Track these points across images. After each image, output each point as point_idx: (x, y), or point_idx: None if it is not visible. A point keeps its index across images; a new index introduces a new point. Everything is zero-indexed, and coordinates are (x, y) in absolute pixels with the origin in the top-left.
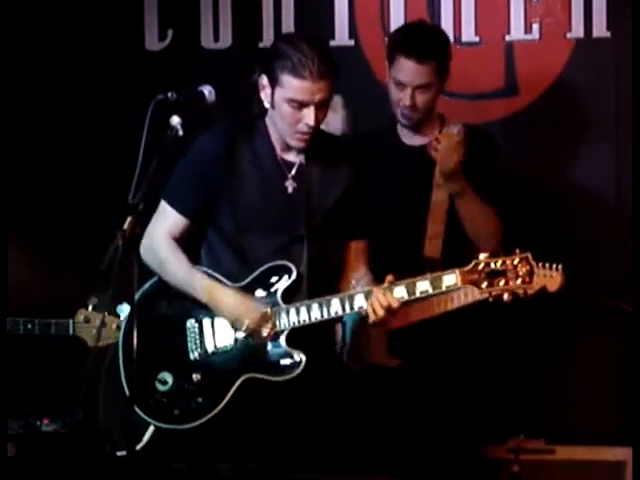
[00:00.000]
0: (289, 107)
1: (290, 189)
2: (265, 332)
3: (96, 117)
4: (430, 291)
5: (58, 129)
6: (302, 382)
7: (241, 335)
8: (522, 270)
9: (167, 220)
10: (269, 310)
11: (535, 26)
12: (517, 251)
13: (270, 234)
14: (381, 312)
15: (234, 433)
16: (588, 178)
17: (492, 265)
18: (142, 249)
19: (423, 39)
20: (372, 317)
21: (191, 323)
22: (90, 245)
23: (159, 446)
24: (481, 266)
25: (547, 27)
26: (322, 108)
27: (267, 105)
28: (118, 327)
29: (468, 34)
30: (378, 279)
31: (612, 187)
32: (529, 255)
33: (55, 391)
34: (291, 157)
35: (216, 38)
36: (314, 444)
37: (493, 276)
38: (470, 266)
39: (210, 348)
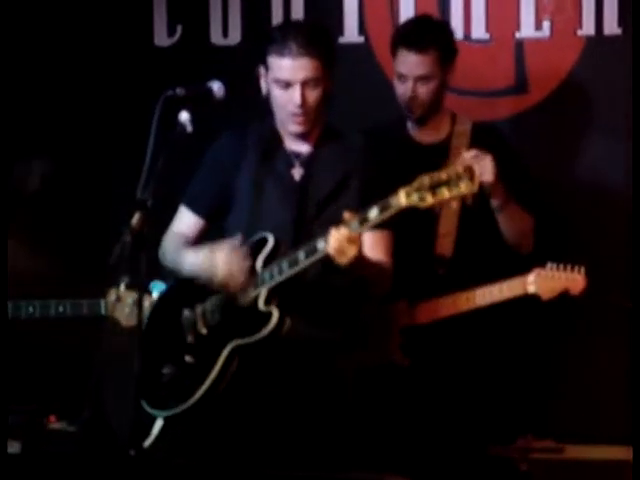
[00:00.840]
0: (278, 89)
1: (297, 176)
2: (243, 279)
3: (104, 113)
4: (380, 215)
5: (66, 124)
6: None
7: (227, 304)
8: (464, 177)
9: (182, 220)
10: (240, 244)
11: (546, 23)
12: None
13: (279, 216)
14: (337, 242)
15: (232, 416)
16: (598, 176)
17: (435, 178)
18: (159, 252)
19: (423, 30)
20: (340, 258)
21: (185, 313)
22: (99, 239)
23: (169, 439)
24: (425, 181)
25: (558, 24)
26: (311, 88)
27: (264, 93)
28: (150, 305)
29: (478, 31)
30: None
31: (622, 185)
32: (471, 164)
33: (62, 389)
34: (298, 147)
35: (225, 34)
36: (319, 441)
37: (437, 187)
38: (415, 183)
39: (202, 329)
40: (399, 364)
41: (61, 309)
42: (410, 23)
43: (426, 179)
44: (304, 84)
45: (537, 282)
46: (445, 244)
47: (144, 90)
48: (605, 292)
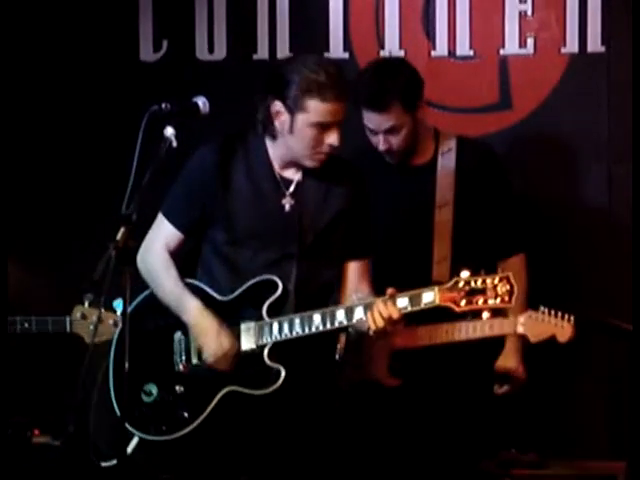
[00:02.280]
0: (313, 130)
1: (287, 207)
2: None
3: (89, 127)
4: (409, 307)
5: (51, 138)
6: (290, 398)
7: None
8: (502, 289)
9: (163, 232)
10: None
11: (530, 40)
12: (499, 270)
13: (264, 249)
14: (381, 322)
15: (217, 447)
16: (581, 192)
17: (472, 284)
18: (138, 258)
19: (381, 89)
20: (372, 327)
21: (178, 336)
22: (83, 253)
23: (143, 458)
24: (461, 284)
25: (542, 42)
26: (341, 127)
27: (282, 131)
28: (115, 323)
29: (463, 48)
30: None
31: (605, 202)
32: (510, 275)
33: (47, 402)
34: (289, 174)
35: (211, 50)
36: (303, 461)
37: (472, 294)
38: (450, 284)
39: (195, 360)
40: (388, 384)
41: (26, 325)
42: (367, 81)
43: (462, 282)
44: (339, 125)
45: (527, 324)
46: (441, 270)
47: (129, 105)
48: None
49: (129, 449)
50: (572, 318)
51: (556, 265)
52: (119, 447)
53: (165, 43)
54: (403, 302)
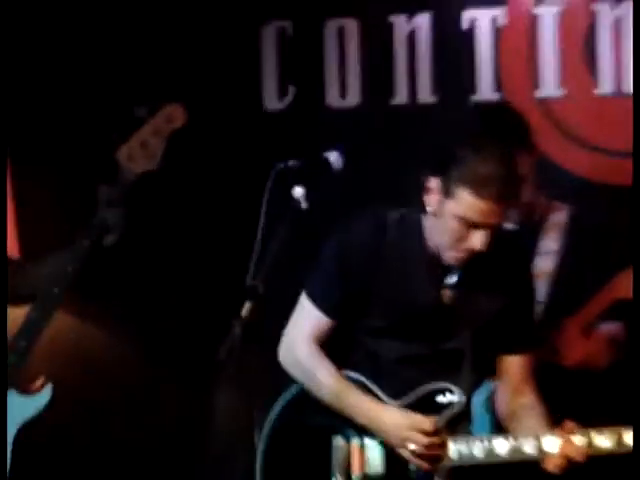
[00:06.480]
0: (457, 224)
1: (446, 298)
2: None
3: (212, 185)
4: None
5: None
6: None
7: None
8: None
9: (309, 318)
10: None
11: None
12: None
13: (413, 342)
14: (564, 464)
15: None
16: None
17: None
18: (281, 350)
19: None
20: (549, 467)
21: (337, 442)
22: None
23: None
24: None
25: None
26: (492, 231)
27: (429, 210)
28: None
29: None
30: None
31: None
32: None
33: None
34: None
35: (343, 95)
36: None
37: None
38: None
39: (355, 475)
40: None
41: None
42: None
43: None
44: (490, 228)
45: None
46: None
47: (253, 161)
48: None
49: None
50: None
51: None
52: None
53: (292, 89)
54: (605, 443)
